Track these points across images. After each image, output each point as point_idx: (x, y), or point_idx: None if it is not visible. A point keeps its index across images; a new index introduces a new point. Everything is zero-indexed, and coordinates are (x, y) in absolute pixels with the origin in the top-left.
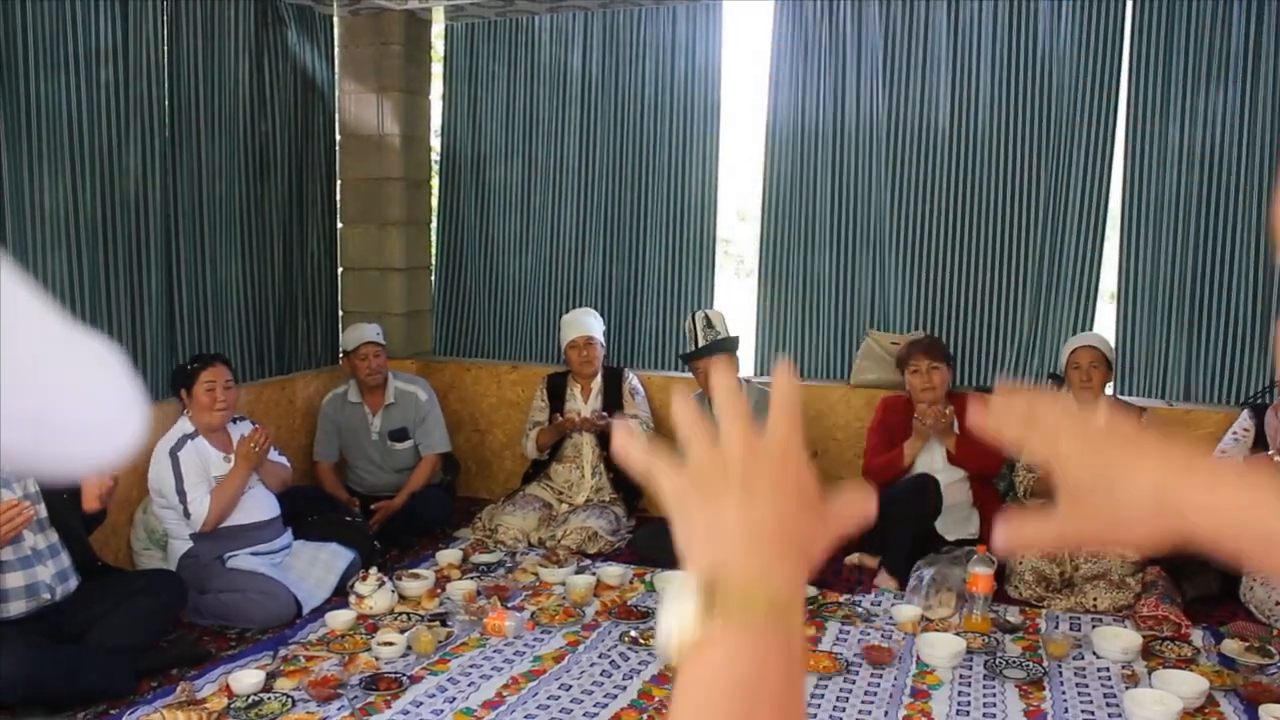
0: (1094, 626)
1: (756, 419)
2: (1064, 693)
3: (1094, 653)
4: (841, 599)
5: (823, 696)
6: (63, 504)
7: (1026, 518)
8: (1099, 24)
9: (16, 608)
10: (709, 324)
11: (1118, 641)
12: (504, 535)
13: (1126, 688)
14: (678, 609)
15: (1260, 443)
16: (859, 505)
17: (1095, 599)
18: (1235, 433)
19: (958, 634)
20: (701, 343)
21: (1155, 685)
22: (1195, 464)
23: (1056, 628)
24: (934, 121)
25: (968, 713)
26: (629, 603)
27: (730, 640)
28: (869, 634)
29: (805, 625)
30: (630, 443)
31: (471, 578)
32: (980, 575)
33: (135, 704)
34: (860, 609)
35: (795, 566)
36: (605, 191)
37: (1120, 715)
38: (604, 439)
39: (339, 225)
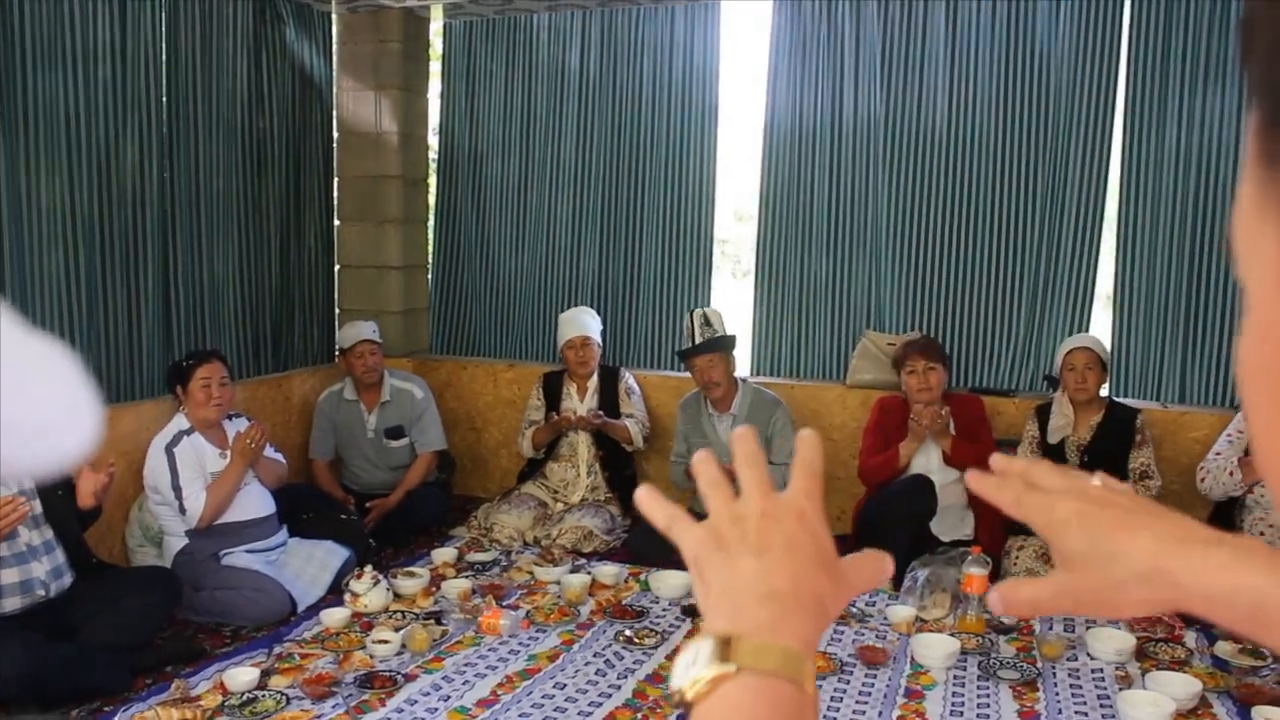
0: (1088, 628)
1: (751, 419)
2: (1058, 694)
3: (1088, 654)
4: None
5: None
6: (58, 500)
7: (1022, 581)
8: (1097, 26)
9: (11, 604)
10: (707, 322)
11: (1111, 643)
12: (499, 534)
13: (1120, 689)
14: (693, 650)
15: None
16: (876, 566)
17: None
18: (1229, 434)
19: (952, 635)
20: (699, 340)
21: (1149, 687)
22: (1188, 538)
23: (1051, 629)
24: (932, 122)
25: (962, 713)
26: (624, 602)
27: (743, 686)
28: (863, 634)
29: (816, 684)
30: (653, 499)
31: (466, 576)
32: (975, 576)
33: (130, 701)
34: (855, 609)
35: (809, 623)
36: (602, 190)
37: (1114, 716)
38: (600, 438)
39: (336, 223)
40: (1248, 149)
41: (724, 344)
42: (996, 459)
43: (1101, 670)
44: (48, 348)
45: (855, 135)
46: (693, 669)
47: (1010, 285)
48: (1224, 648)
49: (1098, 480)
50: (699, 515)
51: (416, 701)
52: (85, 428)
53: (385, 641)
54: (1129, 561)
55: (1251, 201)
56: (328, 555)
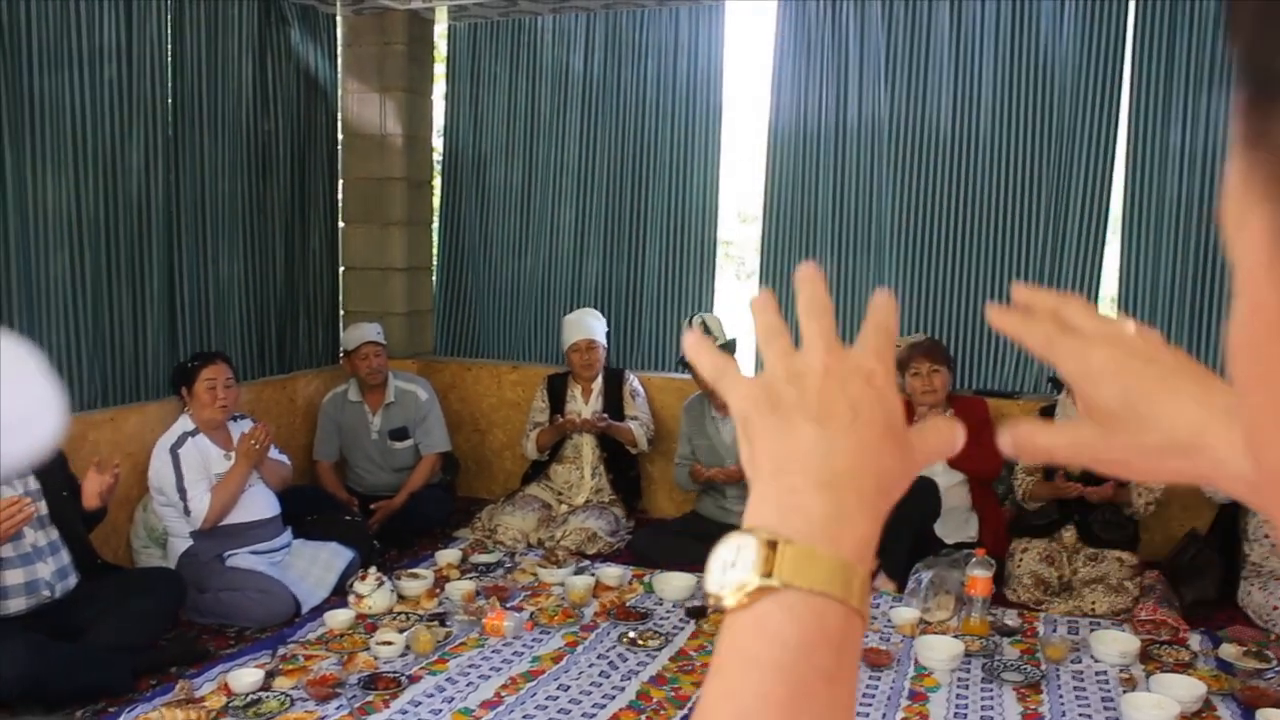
0: (1092, 630)
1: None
2: (1061, 696)
3: (1092, 656)
4: None
5: None
6: (63, 501)
7: (1039, 425)
8: (1101, 28)
9: (16, 605)
10: (706, 330)
11: (1116, 645)
12: (503, 535)
13: (1124, 691)
14: (735, 547)
15: None
16: (946, 436)
17: (1093, 603)
18: None
19: (956, 637)
20: None
21: (1153, 689)
22: (1235, 410)
23: (1054, 631)
24: (936, 124)
25: (965, 715)
26: (628, 604)
27: (784, 608)
28: (867, 636)
29: (870, 585)
30: (701, 344)
31: (470, 578)
32: (978, 578)
33: (134, 702)
34: None
35: (869, 514)
36: (606, 192)
37: (1118, 719)
38: (604, 440)
39: (341, 225)
40: (1234, 129)
41: (727, 351)
42: (1021, 289)
43: (1105, 672)
44: (12, 343)
45: (859, 137)
46: (732, 571)
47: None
48: (1229, 650)
49: (1133, 327)
50: (703, 519)
51: (420, 703)
52: (53, 421)
53: (389, 643)
54: (1167, 428)
55: (1237, 182)
56: (332, 557)
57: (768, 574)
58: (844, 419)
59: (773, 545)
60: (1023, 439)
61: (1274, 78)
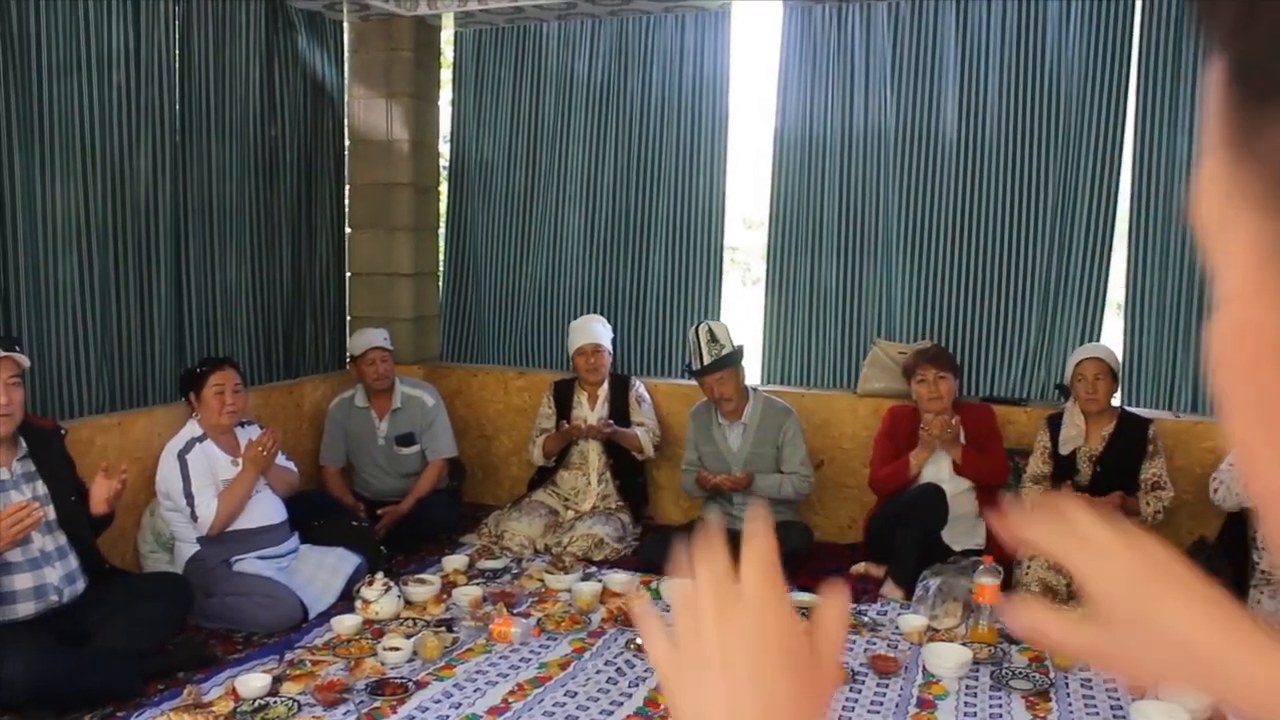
0: None
1: (763, 428)
2: (1070, 704)
3: None
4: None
5: None
6: (71, 506)
7: (1053, 619)
8: (1107, 33)
9: (25, 609)
10: (713, 338)
11: None
12: (510, 541)
13: (1133, 699)
14: None
15: None
16: (836, 606)
17: None
18: None
19: (964, 644)
20: (706, 358)
21: (1162, 697)
22: (1239, 625)
23: None
24: (942, 130)
25: None
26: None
27: None
28: (875, 644)
29: None
30: (639, 602)
31: (477, 584)
32: (986, 585)
33: (142, 706)
34: (866, 618)
35: None
36: (612, 198)
37: None
38: (610, 446)
39: (347, 230)
40: (1209, 128)
41: (733, 359)
42: (1028, 499)
43: (1114, 680)
44: None
45: (866, 143)
46: None
47: (1021, 293)
48: None
49: (1143, 536)
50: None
51: (427, 709)
52: None
53: (396, 649)
54: (1174, 636)
55: (1218, 187)
56: (339, 562)
57: None
58: (744, 670)
59: None
60: (1036, 625)
61: (1272, 82)
